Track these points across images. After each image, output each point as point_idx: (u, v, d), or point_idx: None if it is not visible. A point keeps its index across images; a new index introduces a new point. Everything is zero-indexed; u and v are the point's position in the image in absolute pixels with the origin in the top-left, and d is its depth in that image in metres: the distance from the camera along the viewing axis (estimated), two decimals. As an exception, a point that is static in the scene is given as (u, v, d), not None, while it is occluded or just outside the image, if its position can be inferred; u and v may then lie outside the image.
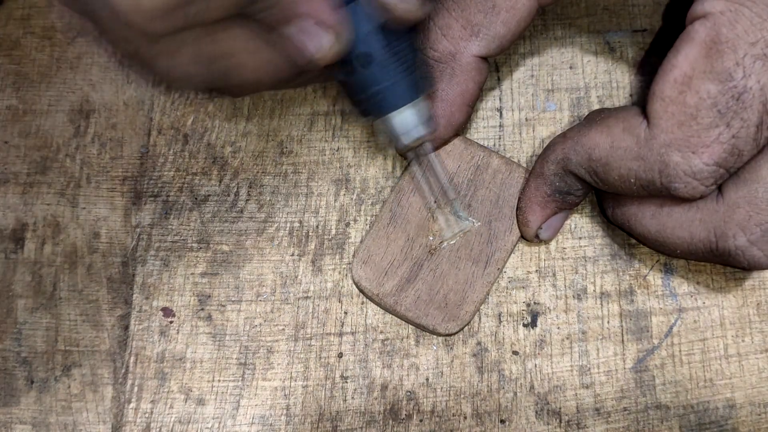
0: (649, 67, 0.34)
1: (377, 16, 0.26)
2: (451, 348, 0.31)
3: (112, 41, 0.24)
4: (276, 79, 0.26)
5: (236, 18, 0.24)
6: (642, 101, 0.27)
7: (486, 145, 0.33)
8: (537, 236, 0.30)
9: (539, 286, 0.31)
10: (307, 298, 0.31)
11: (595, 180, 0.28)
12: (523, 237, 0.31)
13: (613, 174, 0.27)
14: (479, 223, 0.31)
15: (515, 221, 0.31)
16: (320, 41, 0.24)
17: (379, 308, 0.31)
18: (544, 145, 0.33)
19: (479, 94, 0.30)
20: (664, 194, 0.26)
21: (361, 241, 0.31)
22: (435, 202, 0.31)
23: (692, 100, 0.24)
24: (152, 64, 0.24)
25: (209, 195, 0.32)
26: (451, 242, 0.31)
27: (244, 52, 0.25)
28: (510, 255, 0.31)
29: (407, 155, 0.31)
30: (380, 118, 0.28)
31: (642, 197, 0.28)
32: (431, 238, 0.31)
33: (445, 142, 0.31)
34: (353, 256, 0.31)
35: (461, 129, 0.31)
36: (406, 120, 0.28)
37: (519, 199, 0.31)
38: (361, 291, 0.31)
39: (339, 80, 0.28)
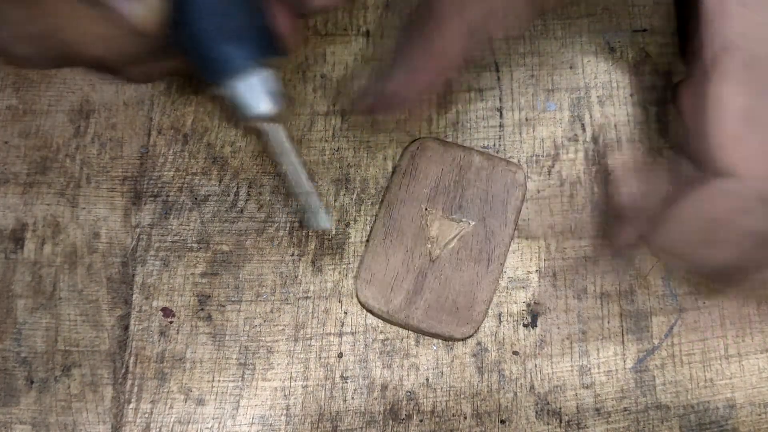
0: (649, 68, 0.34)
1: None
2: (451, 348, 0.31)
3: None
4: (122, 55, 0.25)
5: None
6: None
7: (486, 145, 0.33)
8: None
9: (539, 286, 0.31)
10: (307, 298, 0.31)
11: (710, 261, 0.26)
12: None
13: (729, 243, 0.25)
14: (474, 223, 0.31)
15: (508, 215, 0.31)
16: (132, 10, 0.23)
17: (379, 308, 0.31)
18: (544, 145, 0.33)
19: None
20: None
21: (360, 262, 0.31)
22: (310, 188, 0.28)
23: (762, 124, 0.23)
24: None
25: (209, 195, 0.32)
26: (449, 246, 0.31)
27: (69, 27, 0.23)
28: (509, 248, 0.31)
29: (260, 132, 0.27)
30: (223, 85, 0.25)
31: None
32: (429, 246, 0.31)
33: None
34: (355, 277, 0.31)
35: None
36: (250, 90, 0.25)
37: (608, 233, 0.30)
38: (370, 311, 0.31)
39: (182, 48, 0.25)
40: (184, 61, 0.26)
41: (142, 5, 0.23)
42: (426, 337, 0.31)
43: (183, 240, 0.32)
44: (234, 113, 0.25)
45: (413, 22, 0.27)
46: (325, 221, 0.28)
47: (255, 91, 0.25)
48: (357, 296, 0.31)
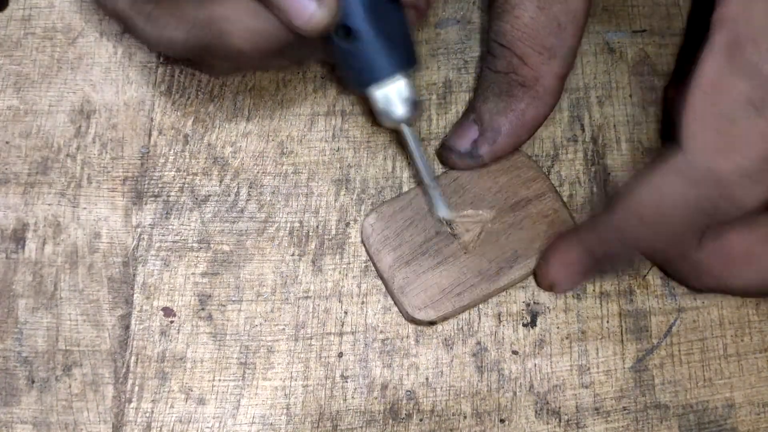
0: (648, 68, 0.34)
1: None
2: (450, 347, 0.31)
3: None
4: (262, 51, 0.26)
5: None
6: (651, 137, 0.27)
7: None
8: (553, 288, 0.30)
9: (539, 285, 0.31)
10: (307, 297, 0.31)
11: (655, 239, 0.26)
12: (538, 285, 0.31)
13: (675, 218, 0.25)
14: (493, 214, 0.31)
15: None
16: (306, 10, 0.24)
17: (379, 308, 0.31)
18: (543, 145, 0.33)
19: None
20: (729, 214, 0.25)
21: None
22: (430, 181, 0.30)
23: (725, 103, 0.24)
24: (136, 22, 0.24)
25: (210, 195, 0.33)
26: (477, 235, 0.31)
27: (232, 17, 0.24)
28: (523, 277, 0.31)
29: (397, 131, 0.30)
30: (369, 91, 0.28)
31: (706, 234, 0.27)
32: (458, 244, 0.31)
33: (504, 156, 0.31)
34: (371, 210, 0.31)
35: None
36: (387, 97, 0.28)
37: (551, 253, 0.30)
38: (364, 241, 0.31)
39: (326, 52, 0.28)
40: (321, 62, 0.29)
41: (319, 10, 0.24)
42: (426, 337, 0.31)
43: (184, 240, 0.32)
44: (377, 115, 0.29)
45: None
46: (444, 211, 0.30)
47: (398, 98, 0.28)
48: (362, 223, 0.31)
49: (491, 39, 0.30)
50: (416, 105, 0.29)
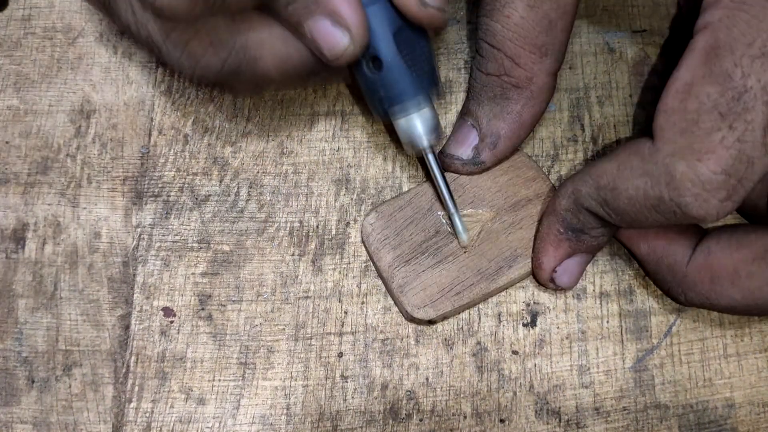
0: (648, 68, 0.34)
1: (395, 20, 0.26)
2: (450, 347, 0.31)
3: (128, 24, 0.24)
4: (288, 76, 0.26)
5: (259, 9, 0.24)
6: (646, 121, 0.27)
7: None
8: (553, 281, 0.30)
9: (539, 285, 0.31)
10: (307, 297, 0.31)
11: (606, 211, 0.27)
12: (539, 282, 0.31)
13: (622, 198, 0.26)
14: (492, 213, 0.31)
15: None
16: (337, 41, 0.24)
17: (379, 308, 0.31)
18: (543, 145, 0.33)
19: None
20: (678, 218, 0.25)
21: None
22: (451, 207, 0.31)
23: (693, 105, 0.24)
24: (165, 48, 0.24)
25: (210, 195, 0.33)
26: (476, 234, 0.31)
27: (261, 45, 0.25)
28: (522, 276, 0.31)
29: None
30: (394, 118, 0.28)
31: (659, 228, 0.27)
32: (457, 242, 0.31)
33: (506, 158, 0.32)
34: (370, 210, 0.31)
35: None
36: (411, 127, 0.28)
37: (534, 239, 0.30)
38: (364, 239, 0.31)
39: (353, 79, 0.28)
40: (334, 80, 0.30)
41: (341, 43, 0.24)
42: (426, 337, 0.31)
43: (184, 240, 0.32)
44: (401, 142, 0.29)
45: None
46: (462, 236, 0.30)
47: (422, 126, 0.28)
48: (362, 222, 0.31)
49: (480, 37, 0.30)
50: (439, 131, 0.29)
